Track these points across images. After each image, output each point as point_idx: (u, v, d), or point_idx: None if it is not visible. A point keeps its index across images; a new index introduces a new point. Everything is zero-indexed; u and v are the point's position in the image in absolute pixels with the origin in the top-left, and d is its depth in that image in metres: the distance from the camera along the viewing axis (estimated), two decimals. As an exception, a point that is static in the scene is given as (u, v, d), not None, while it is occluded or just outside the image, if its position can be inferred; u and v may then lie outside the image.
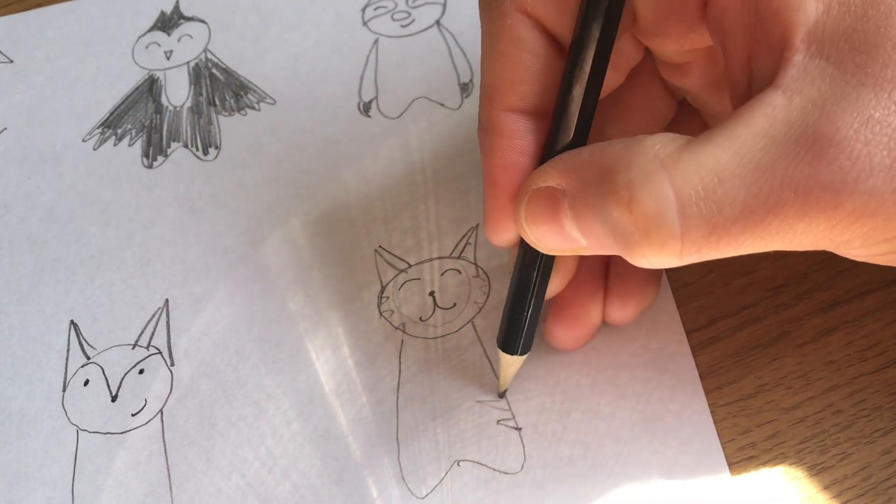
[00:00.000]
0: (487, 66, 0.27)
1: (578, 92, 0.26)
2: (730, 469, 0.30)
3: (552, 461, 0.31)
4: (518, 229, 0.27)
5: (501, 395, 0.32)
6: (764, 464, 0.30)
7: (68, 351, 0.35)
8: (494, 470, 0.31)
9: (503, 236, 0.28)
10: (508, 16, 0.26)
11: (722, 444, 0.31)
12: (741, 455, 0.31)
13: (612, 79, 0.30)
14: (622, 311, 0.32)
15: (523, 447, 0.31)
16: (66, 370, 0.34)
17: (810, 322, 0.33)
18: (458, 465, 0.31)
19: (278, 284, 0.35)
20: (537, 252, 0.27)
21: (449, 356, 0.33)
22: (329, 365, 0.33)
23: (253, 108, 0.41)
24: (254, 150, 0.39)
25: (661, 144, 0.22)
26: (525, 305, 0.29)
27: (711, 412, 0.31)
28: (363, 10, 0.43)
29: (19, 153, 0.40)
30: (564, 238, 0.25)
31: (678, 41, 0.27)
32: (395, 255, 0.35)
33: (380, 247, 0.36)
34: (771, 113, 0.22)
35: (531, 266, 0.28)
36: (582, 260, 0.31)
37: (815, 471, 0.30)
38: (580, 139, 0.26)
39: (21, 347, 0.35)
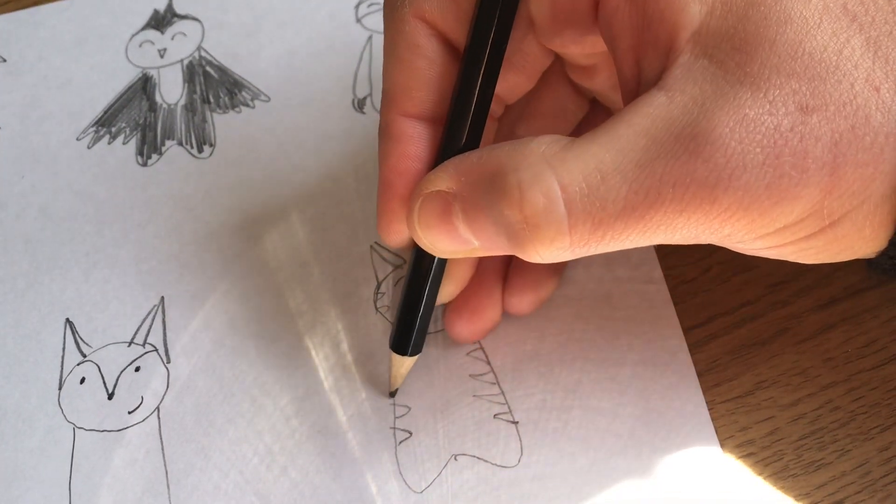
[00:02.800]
0: (387, 71, 0.28)
1: (468, 97, 0.27)
2: (728, 466, 0.30)
3: (551, 456, 0.31)
4: (411, 233, 0.27)
5: (391, 394, 0.32)
6: (762, 461, 0.30)
7: (64, 349, 0.35)
8: (492, 464, 0.31)
9: (395, 238, 0.29)
10: (407, 22, 0.27)
11: (720, 441, 0.31)
12: (740, 452, 0.31)
13: (522, 83, 0.30)
14: (520, 303, 0.33)
15: (520, 441, 0.31)
16: (62, 368, 0.34)
17: (808, 319, 0.33)
18: (455, 459, 0.31)
19: (274, 281, 0.35)
20: (429, 255, 0.28)
21: (446, 351, 0.33)
22: (326, 361, 0.33)
23: (247, 105, 0.41)
24: (248, 147, 0.39)
25: (546, 145, 0.23)
26: (417, 307, 0.29)
27: (710, 409, 0.31)
28: (357, 6, 0.43)
29: (13, 152, 0.40)
30: (457, 240, 0.26)
31: (577, 44, 0.27)
32: (390, 251, 0.35)
33: (375, 243, 0.36)
34: (652, 112, 0.22)
35: (423, 270, 0.29)
36: (481, 258, 0.32)
37: (814, 467, 0.30)
38: (472, 143, 0.27)
39: (17, 346, 0.35)
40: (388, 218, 0.28)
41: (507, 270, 0.33)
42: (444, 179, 0.25)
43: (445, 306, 0.33)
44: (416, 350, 0.31)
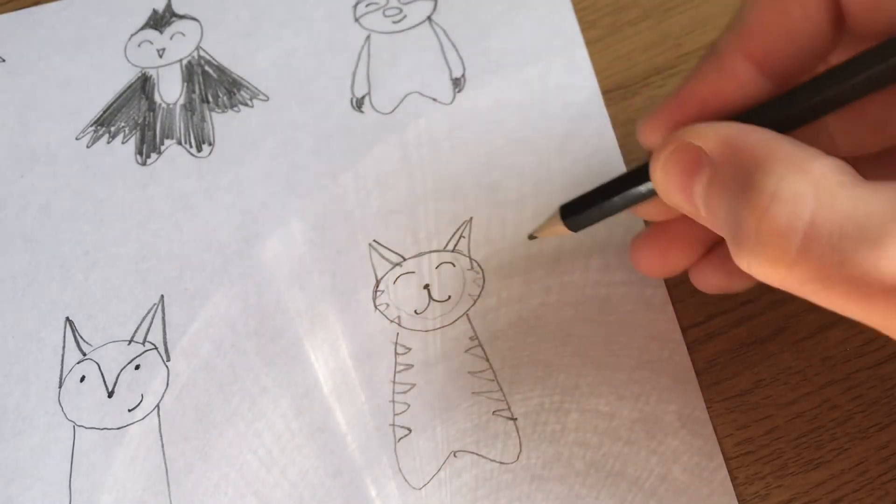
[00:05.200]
0: (756, 2, 0.25)
1: (827, 86, 0.23)
2: (727, 464, 0.30)
3: (549, 458, 0.31)
4: (651, 165, 0.26)
5: (530, 236, 0.32)
6: (761, 459, 0.30)
7: (64, 347, 0.35)
8: (491, 460, 0.31)
9: (647, 142, 0.27)
10: None
11: (719, 439, 0.31)
12: (738, 450, 0.31)
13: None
14: (705, 281, 0.30)
15: (519, 437, 0.31)
16: (62, 367, 0.34)
17: (807, 318, 0.33)
18: (454, 455, 0.31)
19: (273, 279, 0.35)
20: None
21: (444, 348, 0.33)
22: (325, 359, 0.33)
23: (246, 104, 0.41)
24: (247, 146, 0.39)
25: (827, 171, 0.21)
26: (610, 196, 0.28)
27: (708, 408, 0.31)
28: (355, 6, 0.43)
29: (13, 151, 0.40)
30: (687, 200, 0.24)
31: None
32: (389, 249, 0.36)
33: (374, 241, 0.36)
34: None
35: (640, 178, 0.27)
36: None
37: (812, 466, 0.30)
38: (787, 127, 0.24)
39: (17, 345, 0.35)
40: (654, 124, 0.26)
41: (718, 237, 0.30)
42: (712, 140, 0.23)
43: (645, 230, 0.31)
44: (574, 225, 0.30)
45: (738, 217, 0.22)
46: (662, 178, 0.25)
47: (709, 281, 0.30)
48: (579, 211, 0.29)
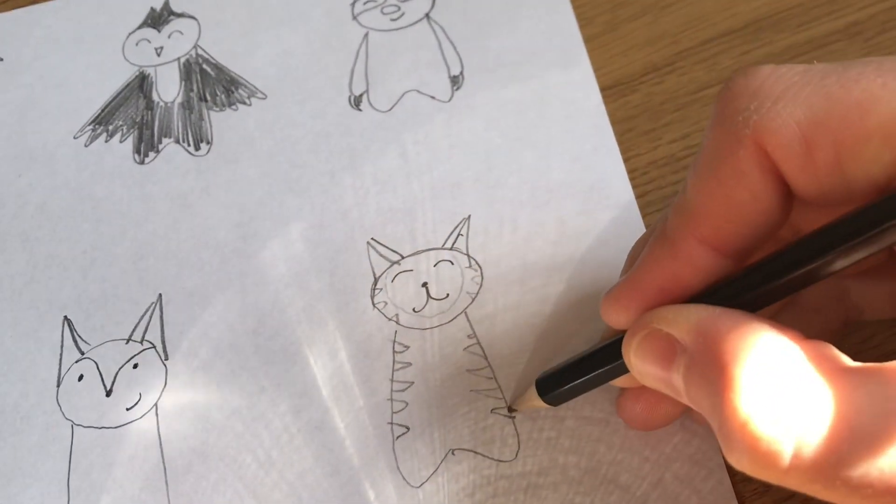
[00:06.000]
0: (699, 185, 0.24)
1: (788, 269, 0.22)
2: (725, 461, 0.30)
3: (544, 465, 0.31)
4: (624, 348, 0.25)
5: (510, 409, 0.32)
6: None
7: (62, 346, 0.35)
8: (489, 458, 0.31)
9: (613, 322, 0.26)
10: (743, 145, 0.22)
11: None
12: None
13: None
14: (701, 421, 0.30)
15: (517, 435, 0.31)
16: (61, 366, 0.34)
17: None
18: (452, 454, 0.31)
19: (271, 278, 0.35)
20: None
21: (443, 346, 0.33)
22: (323, 357, 0.33)
23: (244, 103, 0.41)
24: (245, 144, 0.39)
25: (813, 364, 0.20)
26: (583, 375, 0.28)
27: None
28: (353, 4, 0.43)
29: (10, 151, 0.40)
30: (669, 387, 0.23)
31: None
32: (387, 248, 0.36)
33: (372, 239, 0.36)
34: None
35: (612, 357, 0.27)
36: None
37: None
38: (753, 307, 0.23)
39: (15, 344, 0.35)
40: (616, 307, 0.25)
41: None
42: (682, 328, 0.22)
43: (623, 395, 0.30)
44: (552, 401, 0.29)
45: (722, 418, 0.20)
46: (638, 364, 0.24)
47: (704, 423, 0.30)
48: (556, 387, 0.29)
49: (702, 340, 0.21)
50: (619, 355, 0.25)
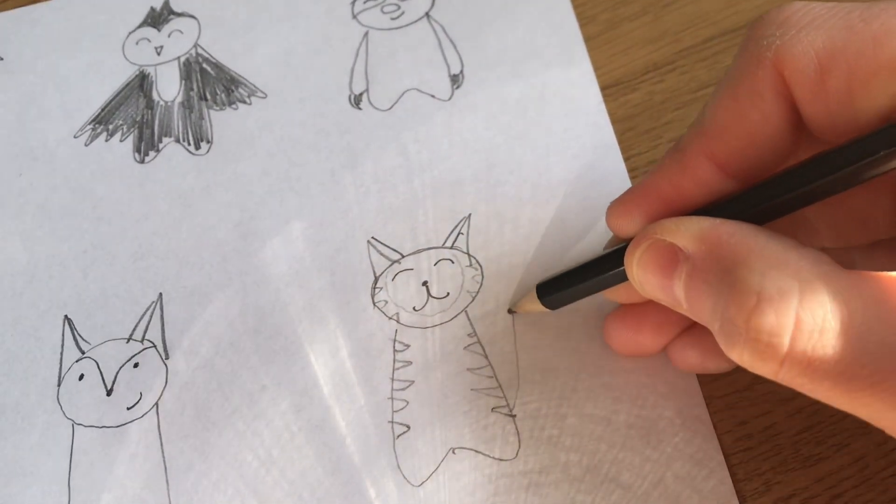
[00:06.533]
0: (715, 102, 0.25)
1: (794, 184, 0.23)
2: (727, 460, 0.30)
3: (546, 463, 0.31)
4: (626, 260, 0.26)
5: (509, 310, 0.33)
6: (760, 455, 0.30)
7: (62, 346, 0.35)
8: (490, 457, 0.31)
9: (617, 230, 0.27)
10: (763, 67, 0.23)
11: (718, 435, 0.31)
12: (738, 446, 0.31)
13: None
14: (682, 359, 0.31)
15: (518, 434, 0.31)
16: (61, 365, 0.34)
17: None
18: (453, 452, 0.31)
19: (272, 277, 0.35)
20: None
21: (443, 345, 0.33)
22: (323, 356, 0.33)
23: (244, 101, 0.41)
24: (245, 143, 0.39)
25: (806, 263, 0.21)
26: (584, 280, 0.29)
27: (708, 405, 0.31)
28: (353, 3, 0.43)
29: (11, 150, 0.40)
30: (668, 295, 0.24)
31: None
32: (387, 246, 0.36)
33: (373, 238, 0.36)
34: None
35: (612, 265, 0.28)
36: None
37: (812, 461, 0.30)
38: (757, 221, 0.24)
39: (15, 343, 0.35)
40: (620, 211, 0.27)
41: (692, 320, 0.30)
42: (686, 237, 0.24)
43: (614, 312, 0.32)
44: (551, 304, 0.30)
45: (725, 315, 0.22)
46: (640, 274, 0.25)
47: (687, 361, 0.30)
48: (555, 291, 0.30)
49: (705, 247, 0.23)
50: (619, 263, 0.27)
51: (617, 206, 0.27)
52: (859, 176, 0.22)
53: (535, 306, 0.31)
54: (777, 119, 0.24)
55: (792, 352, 0.21)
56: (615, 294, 0.30)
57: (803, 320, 0.20)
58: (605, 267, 0.28)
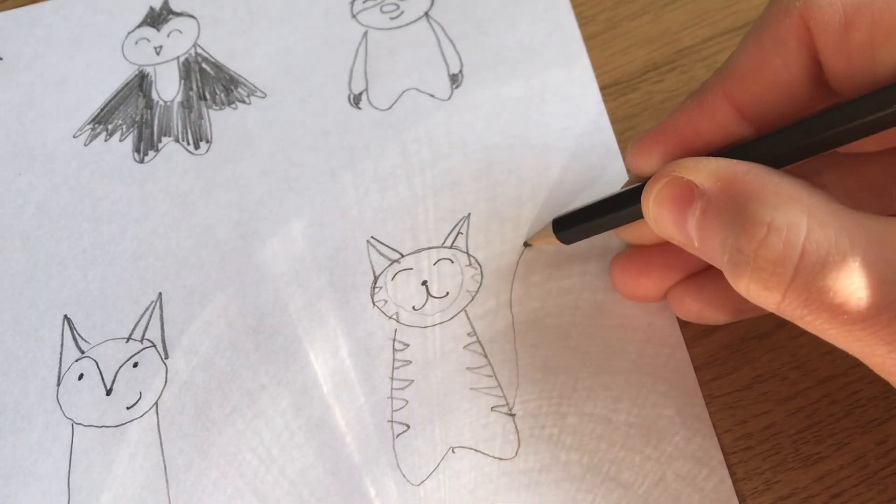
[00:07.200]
0: (743, 48, 0.26)
1: (815, 130, 0.24)
2: (726, 460, 0.30)
3: (546, 462, 0.31)
4: (643, 197, 0.27)
5: (525, 243, 0.34)
6: (760, 454, 0.30)
7: (62, 345, 0.35)
8: (490, 456, 0.31)
9: (635, 167, 0.28)
10: (789, 15, 0.24)
11: (718, 435, 0.31)
12: (738, 446, 0.31)
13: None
14: (682, 305, 0.31)
15: (517, 433, 0.31)
16: (61, 365, 0.34)
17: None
18: (452, 451, 0.31)
19: (271, 276, 0.35)
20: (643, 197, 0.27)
21: (443, 344, 0.33)
22: (323, 355, 0.33)
23: (243, 101, 0.41)
24: (245, 143, 0.39)
25: (818, 200, 0.22)
26: (598, 216, 0.30)
27: (707, 404, 0.31)
28: (352, 2, 0.43)
29: (10, 150, 0.40)
30: (680, 232, 0.25)
31: None
32: (387, 246, 0.36)
33: (372, 237, 0.36)
34: None
35: (627, 201, 0.29)
36: None
37: (811, 461, 0.30)
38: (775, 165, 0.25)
39: (15, 343, 0.35)
40: (638, 149, 0.28)
41: (697, 267, 0.31)
42: (703, 174, 0.25)
43: (626, 252, 0.33)
44: (566, 239, 0.32)
45: (735, 246, 0.23)
46: (655, 209, 0.26)
47: (686, 307, 0.31)
48: (570, 226, 0.31)
49: (720, 184, 0.24)
50: (634, 201, 0.28)
51: (636, 145, 0.28)
52: (875, 127, 0.23)
53: (551, 240, 0.32)
54: (798, 68, 0.25)
55: (794, 282, 0.22)
56: (627, 233, 0.32)
57: (808, 251, 0.21)
58: (621, 204, 0.29)
